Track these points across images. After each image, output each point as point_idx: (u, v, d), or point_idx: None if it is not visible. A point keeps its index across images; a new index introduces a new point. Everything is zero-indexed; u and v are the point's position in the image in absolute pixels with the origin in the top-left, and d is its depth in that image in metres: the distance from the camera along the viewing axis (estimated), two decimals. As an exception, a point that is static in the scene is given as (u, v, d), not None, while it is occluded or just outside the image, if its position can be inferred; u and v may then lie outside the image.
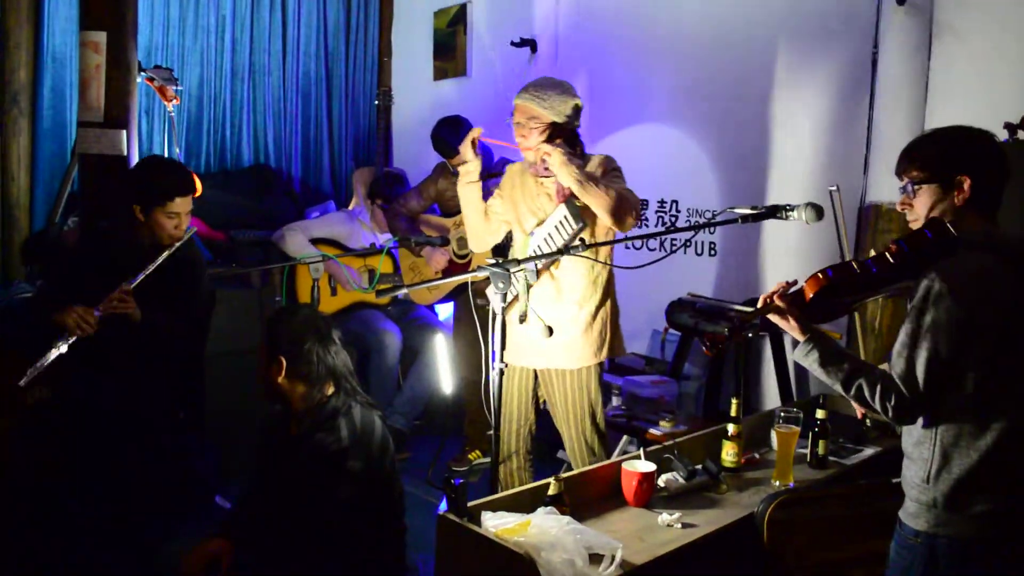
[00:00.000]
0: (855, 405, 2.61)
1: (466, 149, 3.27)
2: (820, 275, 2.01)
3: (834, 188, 2.12)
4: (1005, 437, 1.88)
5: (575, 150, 3.14)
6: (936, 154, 2.00)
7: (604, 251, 3.18)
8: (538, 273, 3.09)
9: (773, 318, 2.13)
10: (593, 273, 3.16)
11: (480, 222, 3.35)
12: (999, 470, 1.89)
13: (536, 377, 3.29)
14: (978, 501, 1.89)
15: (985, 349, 1.86)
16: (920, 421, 1.97)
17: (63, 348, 2.88)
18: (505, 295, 2.57)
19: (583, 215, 3.03)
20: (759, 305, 2.17)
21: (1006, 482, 1.90)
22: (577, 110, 3.13)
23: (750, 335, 2.16)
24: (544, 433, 3.47)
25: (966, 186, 1.95)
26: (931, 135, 2.07)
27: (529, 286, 3.03)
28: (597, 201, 2.96)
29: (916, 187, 2.01)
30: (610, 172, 3.11)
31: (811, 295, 2.02)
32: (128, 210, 3.17)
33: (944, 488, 1.91)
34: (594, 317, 3.17)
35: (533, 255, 3.03)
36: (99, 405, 3.11)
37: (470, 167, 3.27)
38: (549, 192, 3.13)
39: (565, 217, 3.05)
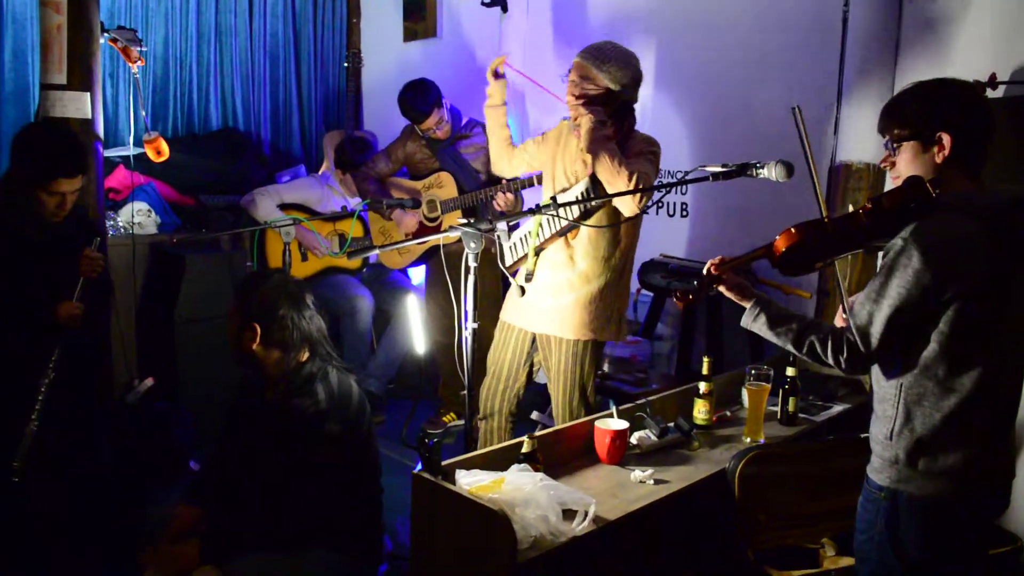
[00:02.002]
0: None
1: (488, 75, 3.44)
2: (793, 230, 2.00)
3: (796, 107, 2.12)
4: (968, 400, 1.89)
5: (624, 123, 3.11)
6: (916, 110, 1.95)
7: (624, 226, 3.14)
8: (536, 240, 3.13)
9: (719, 288, 2.14)
10: (605, 251, 3.14)
11: (501, 147, 3.48)
12: (961, 431, 1.90)
13: (534, 343, 3.30)
14: (939, 460, 1.91)
15: (952, 314, 1.86)
16: (886, 379, 1.99)
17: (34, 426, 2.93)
18: (478, 254, 2.55)
19: (602, 193, 3.00)
20: (704, 274, 2.17)
21: (967, 443, 1.91)
22: (635, 82, 3.08)
23: (717, 287, 2.16)
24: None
25: (946, 143, 1.91)
26: (914, 89, 2.00)
27: (539, 249, 3.05)
28: (601, 171, 2.94)
29: (897, 144, 1.98)
30: (643, 154, 3.06)
31: (783, 249, 2.01)
32: (9, 179, 3.01)
33: (905, 445, 1.93)
34: (596, 294, 3.15)
35: (509, 212, 3.05)
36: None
37: (491, 90, 3.45)
38: (586, 159, 3.07)
39: (587, 189, 3.03)
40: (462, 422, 3.64)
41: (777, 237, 2.03)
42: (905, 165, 1.98)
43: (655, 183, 3.02)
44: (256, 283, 2.60)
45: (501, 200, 4.04)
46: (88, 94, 3.63)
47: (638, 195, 2.89)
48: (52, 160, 2.92)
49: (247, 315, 2.52)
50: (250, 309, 2.53)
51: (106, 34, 3.78)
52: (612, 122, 3.04)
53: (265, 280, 2.61)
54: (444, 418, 4.71)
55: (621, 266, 3.20)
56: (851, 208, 1.99)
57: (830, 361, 1.95)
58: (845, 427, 3.09)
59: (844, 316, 2.26)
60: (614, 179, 2.91)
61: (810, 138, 2.16)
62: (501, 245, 3.22)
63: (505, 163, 3.48)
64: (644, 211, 3.00)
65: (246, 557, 2.37)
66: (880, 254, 1.98)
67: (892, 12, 3.59)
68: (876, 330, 1.89)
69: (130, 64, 3.86)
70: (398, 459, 4.12)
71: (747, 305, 2.11)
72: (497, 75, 3.45)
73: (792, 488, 2.52)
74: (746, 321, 2.11)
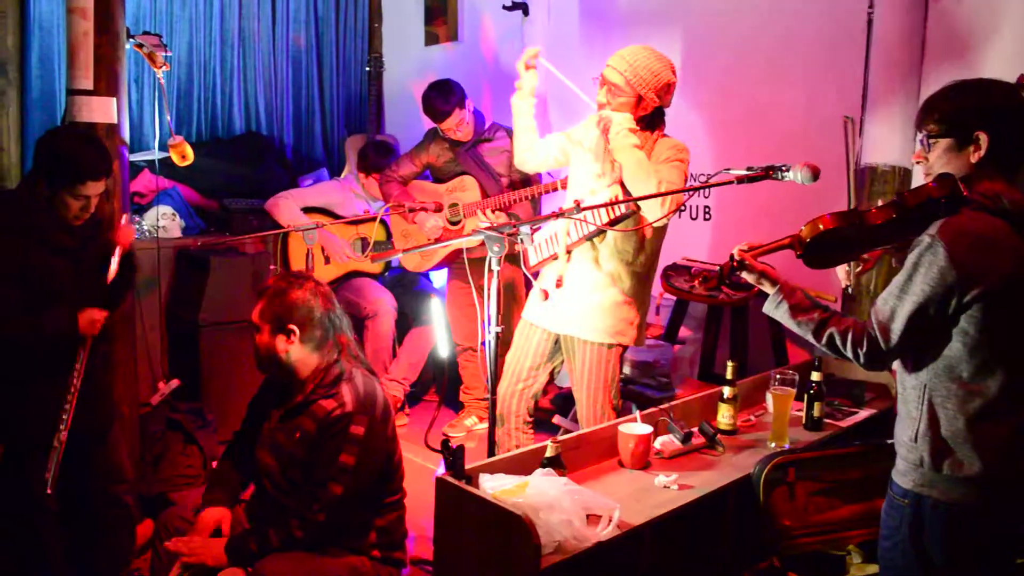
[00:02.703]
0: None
1: (519, 67, 3.37)
2: (819, 221, 1.99)
3: (848, 117, 2.10)
4: (993, 403, 1.86)
5: (654, 129, 3.10)
6: (955, 107, 1.92)
7: (650, 232, 3.12)
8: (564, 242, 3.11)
9: (743, 274, 2.14)
10: (630, 256, 3.12)
11: (527, 141, 3.44)
12: (986, 435, 1.87)
13: (556, 345, 3.28)
14: (964, 465, 1.88)
15: (976, 314, 1.83)
16: (910, 380, 1.97)
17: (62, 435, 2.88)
18: (500, 258, 2.54)
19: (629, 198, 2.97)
20: (729, 258, 2.17)
21: (992, 448, 1.87)
22: (668, 89, 3.06)
23: (741, 274, 2.16)
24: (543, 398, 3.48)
25: (983, 143, 1.88)
26: (955, 87, 1.96)
27: (569, 250, 3.04)
28: (627, 177, 2.92)
29: (932, 141, 1.95)
30: (671, 161, 3.02)
31: (808, 239, 2.01)
32: (32, 181, 2.99)
33: (930, 447, 1.90)
34: (621, 297, 3.14)
35: (537, 217, 3.02)
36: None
37: (521, 83, 3.39)
38: (615, 163, 3.05)
39: (616, 196, 3.01)
40: (485, 426, 3.65)
41: (803, 227, 2.02)
42: (938, 162, 1.95)
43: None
44: (288, 286, 2.59)
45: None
46: (114, 99, 3.66)
47: (667, 203, 2.85)
48: (78, 163, 2.93)
49: (283, 318, 2.53)
50: (286, 312, 2.53)
51: (131, 40, 3.81)
52: (641, 128, 3.02)
53: (295, 282, 2.61)
54: (466, 422, 4.71)
55: (645, 272, 3.19)
56: (880, 203, 1.98)
57: (848, 354, 1.93)
58: (871, 432, 3.06)
59: (847, 268, 2.25)
60: (641, 186, 2.90)
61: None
62: (525, 248, 3.21)
63: (530, 156, 3.45)
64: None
65: (269, 558, 2.38)
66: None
67: (917, 13, 3.56)
68: (897, 326, 1.87)
69: (155, 69, 3.88)
70: (420, 462, 4.13)
71: (771, 292, 2.10)
72: (528, 67, 3.42)
73: (818, 494, 2.50)
74: (768, 308, 2.11)
